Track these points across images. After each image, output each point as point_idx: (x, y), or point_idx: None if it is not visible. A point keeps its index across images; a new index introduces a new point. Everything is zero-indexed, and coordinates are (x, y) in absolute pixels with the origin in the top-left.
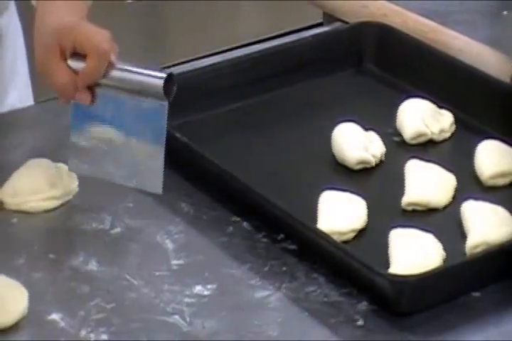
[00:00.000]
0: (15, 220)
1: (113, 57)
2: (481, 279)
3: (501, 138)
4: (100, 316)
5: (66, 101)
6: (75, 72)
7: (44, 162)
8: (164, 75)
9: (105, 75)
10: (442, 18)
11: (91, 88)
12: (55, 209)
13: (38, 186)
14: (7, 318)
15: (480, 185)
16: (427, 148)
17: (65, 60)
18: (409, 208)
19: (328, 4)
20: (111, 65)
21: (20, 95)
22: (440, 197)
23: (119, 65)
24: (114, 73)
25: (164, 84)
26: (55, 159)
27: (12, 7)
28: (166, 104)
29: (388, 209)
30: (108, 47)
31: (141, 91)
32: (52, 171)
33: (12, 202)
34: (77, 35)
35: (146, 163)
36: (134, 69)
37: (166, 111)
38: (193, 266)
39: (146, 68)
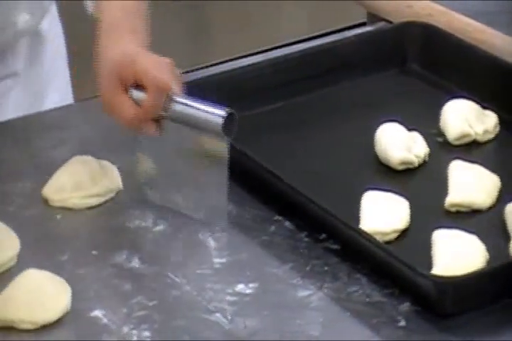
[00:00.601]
0: (59, 217)
1: (175, 88)
2: None
3: None
4: (142, 313)
5: (136, 132)
6: (139, 103)
7: (87, 159)
8: (224, 114)
9: (166, 108)
10: (487, 18)
11: (158, 120)
12: (98, 206)
13: (82, 183)
14: (50, 314)
15: None
16: (470, 149)
17: (127, 91)
18: (453, 209)
19: (372, 4)
20: (171, 98)
21: (60, 96)
22: (484, 198)
23: (182, 99)
24: (176, 107)
25: (224, 122)
26: (99, 156)
27: (54, 10)
28: (226, 141)
29: (431, 209)
30: (166, 79)
31: (201, 127)
32: (96, 168)
33: (56, 198)
34: (137, 68)
35: (212, 197)
36: (196, 104)
37: (227, 149)
38: (235, 265)
39: (208, 104)
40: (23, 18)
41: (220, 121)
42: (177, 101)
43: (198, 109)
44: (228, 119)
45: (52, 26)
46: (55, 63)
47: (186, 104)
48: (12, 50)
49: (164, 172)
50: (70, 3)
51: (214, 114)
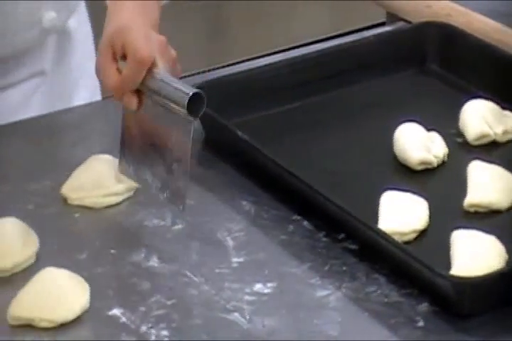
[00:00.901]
0: (77, 215)
1: (158, 64)
2: None
3: None
4: (161, 312)
5: (117, 101)
6: None
7: (107, 158)
8: (190, 92)
9: (144, 83)
10: (506, 19)
11: (139, 95)
12: (117, 204)
13: (101, 182)
14: (69, 312)
15: None
16: (490, 150)
17: (117, 61)
18: (472, 209)
19: (392, 4)
20: (151, 73)
21: (89, 95)
22: (503, 199)
23: (161, 75)
24: (151, 82)
25: (190, 101)
26: (117, 155)
27: (82, 9)
28: (191, 121)
29: (450, 210)
30: (146, 54)
31: (169, 104)
32: (115, 167)
33: (75, 197)
34: (125, 39)
35: (176, 177)
36: (169, 81)
37: (192, 130)
38: (253, 264)
39: (179, 83)
40: (48, 16)
41: (186, 98)
42: (154, 77)
43: (169, 85)
44: (195, 99)
45: (80, 25)
46: (84, 62)
47: (162, 80)
48: (39, 48)
49: (138, 146)
50: (99, 3)
51: (182, 91)
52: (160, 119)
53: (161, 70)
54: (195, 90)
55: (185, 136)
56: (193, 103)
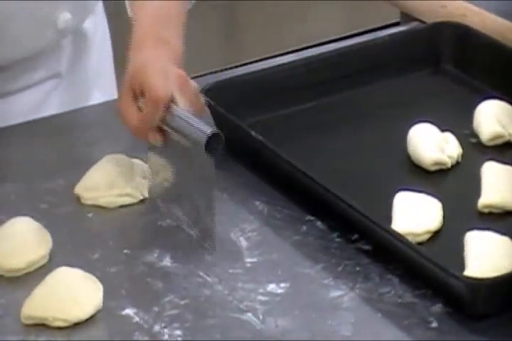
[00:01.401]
0: (91, 215)
1: (178, 102)
2: None
3: None
4: (174, 312)
5: (140, 138)
6: None
7: (121, 158)
8: (209, 132)
9: (164, 119)
10: None
11: (162, 130)
12: (130, 204)
13: (114, 182)
14: (82, 312)
15: None
16: (504, 150)
17: (137, 100)
18: (486, 210)
19: (406, 4)
20: (170, 111)
21: (105, 97)
22: None
23: (179, 113)
24: (171, 120)
25: (209, 140)
26: (132, 155)
27: (100, 10)
28: (210, 159)
29: (464, 211)
30: (162, 93)
31: (188, 141)
32: (129, 167)
33: (88, 196)
34: (142, 77)
35: (202, 217)
36: (187, 119)
37: (212, 167)
38: (267, 264)
39: (198, 121)
40: (63, 18)
41: (204, 138)
42: (173, 115)
43: (188, 123)
44: (213, 138)
45: (97, 27)
46: (101, 64)
47: (180, 118)
48: (55, 50)
49: (169, 182)
50: (116, 4)
51: (200, 130)
52: (180, 156)
53: (181, 107)
54: (213, 130)
55: (206, 173)
56: (211, 141)
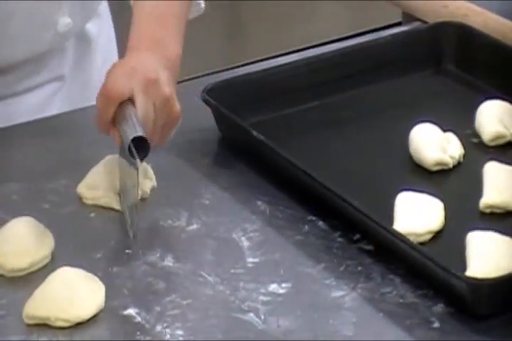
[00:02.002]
0: (93, 215)
1: (138, 102)
2: None
3: None
4: (176, 312)
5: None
6: None
7: None
8: (133, 135)
9: (116, 120)
10: None
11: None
12: None
13: (116, 182)
14: (84, 312)
15: None
16: (506, 150)
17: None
18: (488, 210)
19: (408, 4)
20: (122, 109)
21: None
22: None
23: (126, 114)
24: (118, 118)
25: (134, 143)
26: None
27: (105, 13)
28: (136, 162)
29: (466, 211)
30: (115, 91)
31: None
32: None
33: (90, 196)
34: (109, 72)
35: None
36: (126, 120)
37: (137, 170)
38: (269, 264)
39: (133, 124)
40: (63, 22)
41: (128, 140)
42: (124, 114)
43: (121, 126)
44: (139, 142)
45: (102, 30)
46: (105, 67)
47: (124, 118)
48: (58, 53)
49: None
50: (122, 7)
51: (128, 132)
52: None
53: (138, 109)
54: (138, 134)
55: (132, 172)
56: (138, 145)
